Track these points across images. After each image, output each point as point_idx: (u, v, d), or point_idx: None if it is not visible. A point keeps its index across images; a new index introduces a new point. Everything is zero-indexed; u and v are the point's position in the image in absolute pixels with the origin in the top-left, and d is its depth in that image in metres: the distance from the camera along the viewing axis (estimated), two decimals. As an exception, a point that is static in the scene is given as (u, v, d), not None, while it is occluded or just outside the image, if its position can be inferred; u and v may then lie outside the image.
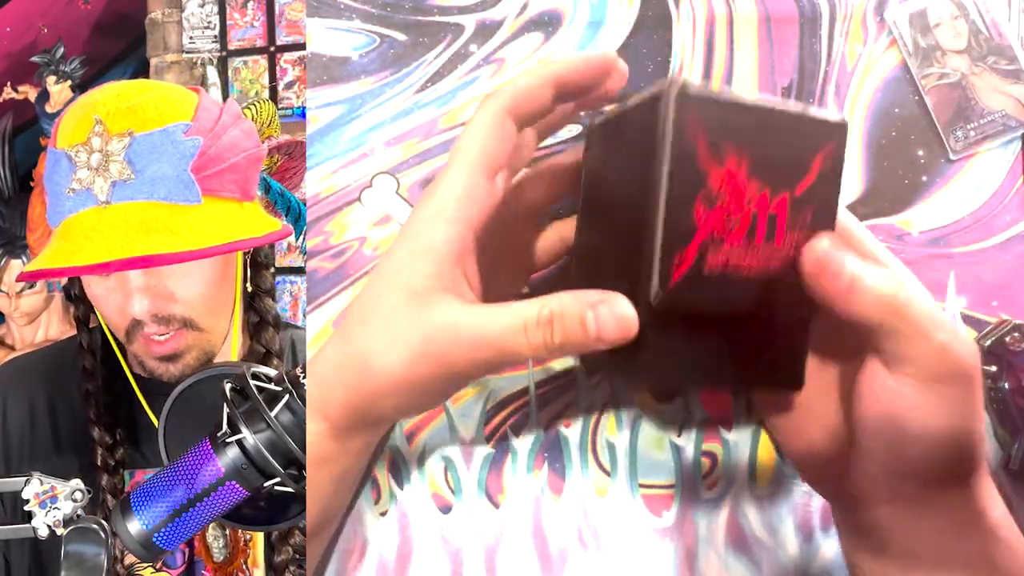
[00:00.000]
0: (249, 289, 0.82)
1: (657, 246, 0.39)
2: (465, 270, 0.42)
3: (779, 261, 0.41)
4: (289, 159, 0.86)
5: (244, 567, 0.77)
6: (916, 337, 0.39)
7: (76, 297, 0.81)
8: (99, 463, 0.76)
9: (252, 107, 0.80)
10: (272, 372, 0.59)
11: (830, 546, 0.50)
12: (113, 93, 0.70)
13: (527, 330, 0.38)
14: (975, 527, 0.41)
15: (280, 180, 0.87)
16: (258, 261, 0.83)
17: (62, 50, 2.58)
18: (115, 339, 0.79)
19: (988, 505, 0.41)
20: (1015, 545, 0.41)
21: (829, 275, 0.39)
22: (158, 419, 0.66)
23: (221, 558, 0.77)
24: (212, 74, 2.39)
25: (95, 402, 0.78)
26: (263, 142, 0.80)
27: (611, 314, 0.37)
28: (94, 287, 0.74)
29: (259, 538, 0.77)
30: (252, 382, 0.56)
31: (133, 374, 0.80)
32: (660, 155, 0.39)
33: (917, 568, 0.42)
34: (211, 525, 0.77)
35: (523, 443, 0.52)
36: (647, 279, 0.39)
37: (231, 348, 0.80)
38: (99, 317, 0.78)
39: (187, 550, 0.78)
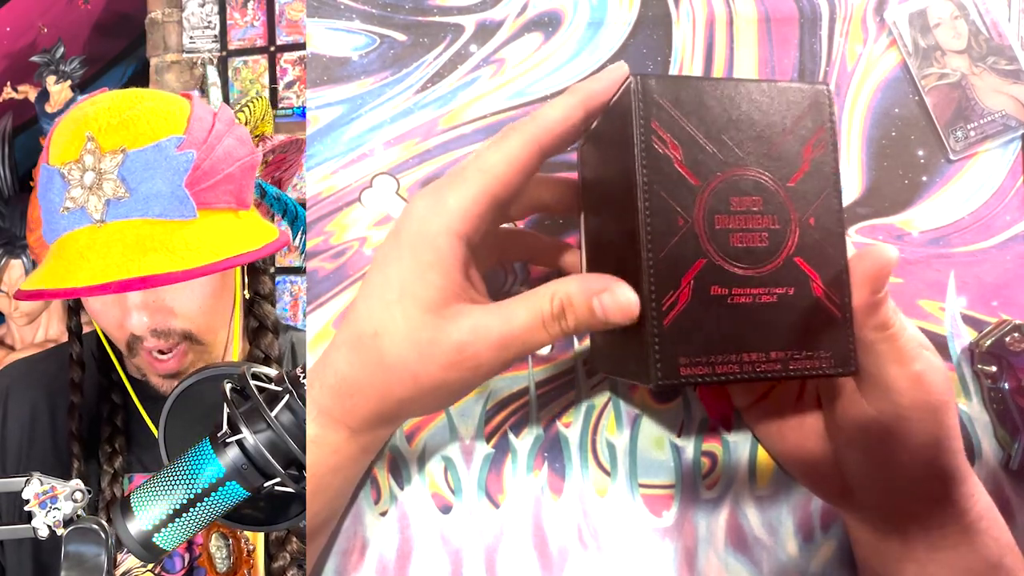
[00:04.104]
0: (247, 295, 0.81)
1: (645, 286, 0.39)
2: (471, 277, 0.44)
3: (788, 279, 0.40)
4: (282, 154, 0.85)
5: None
6: (897, 364, 0.40)
7: (70, 308, 0.80)
8: (74, 477, 0.76)
9: (246, 108, 0.79)
10: (272, 372, 0.59)
11: (830, 546, 0.50)
12: (104, 107, 0.69)
13: (545, 324, 0.41)
14: (958, 523, 0.44)
15: (275, 171, 0.86)
16: (256, 267, 0.82)
17: (62, 50, 2.58)
18: (112, 348, 0.79)
19: (970, 504, 0.44)
20: (997, 534, 0.44)
21: (870, 287, 0.40)
22: (157, 423, 0.66)
23: (224, 568, 0.77)
24: (212, 74, 2.38)
25: (78, 416, 0.78)
26: (256, 141, 0.80)
27: (614, 302, 0.39)
28: (92, 302, 0.74)
29: (259, 546, 0.77)
30: (252, 382, 0.56)
31: (131, 379, 0.80)
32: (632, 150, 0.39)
33: (913, 555, 0.45)
34: (214, 535, 0.77)
35: (523, 443, 0.52)
36: (648, 317, 0.39)
37: (231, 354, 0.80)
38: (97, 328, 0.78)
39: (187, 556, 0.78)
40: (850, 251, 0.41)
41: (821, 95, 0.41)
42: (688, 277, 0.39)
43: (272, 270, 0.84)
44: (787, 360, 0.40)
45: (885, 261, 0.40)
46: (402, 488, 0.52)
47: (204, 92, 2.36)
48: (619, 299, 0.39)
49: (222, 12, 2.40)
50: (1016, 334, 0.50)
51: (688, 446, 0.51)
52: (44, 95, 2.59)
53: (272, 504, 0.61)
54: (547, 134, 0.42)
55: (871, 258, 0.40)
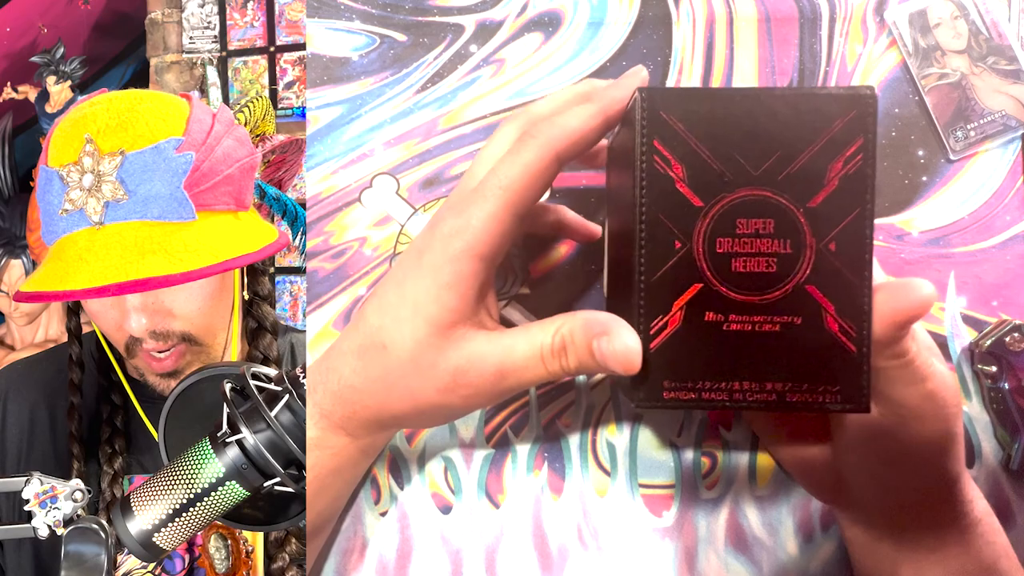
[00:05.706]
0: (246, 296, 0.82)
1: (635, 309, 0.38)
2: (486, 300, 0.43)
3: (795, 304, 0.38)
4: (282, 155, 0.86)
5: None
6: (910, 385, 0.40)
7: (69, 309, 0.80)
8: (75, 477, 0.76)
9: (245, 109, 0.79)
10: (272, 372, 0.59)
11: (830, 546, 0.50)
12: (103, 108, 0.69)
13: (544, 360, 0.40)
14: (957, 525, 0.44)
15: (274, 172, 0.86)
16: (255, 268, 0.82)
17: (62, 50, 2.59)
18: (112, 349, 0.79)
19: (969, 508, 0.44)
20: (993, 538, 0.45)
21: (897, 327, 0.38)
22: (157, 423, 0.66)
23: (223, 569, 0.77)
24: (212, 74, 2.39)
25: (78, 417, 0.78)
26: (256, 141, 0.80)
27: (611, 349, 0.38)
28: (91, 303, 0.74)
29: (259, 547, 0.77)
30: (252, 382, 0.56)
31: (131, 380, 0.80)
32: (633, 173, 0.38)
33: (908, 556, 0.45)
34: (213, 536, 0.77)
35: (523, 443, 0.52)
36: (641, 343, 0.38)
37: (230, 355, 0.80)
38: (96, 329, 0.78)
39: (187, 556, 0.78)
40: (876, 276, 0.39)
41: (863, 103, 0.37)
42: (680, 302, 0.38)
43: (271, 271, 0.84)
44: (784, 392, 0.38)
45: (922, 303, 0.37)
46: (402, 488, 0.52)
47: (204, 92, 2.36)
48: (616, 345, 0.38)
49: (222, 12, 2.40)
50: (1016, 334, 0.50)
51: (688, 446, 0.51)
52: (44, 95, 2.59)
53: (272, 504, 0.61)
54: (564, 143, 0.40)
55: (906, 298, 0.37)
